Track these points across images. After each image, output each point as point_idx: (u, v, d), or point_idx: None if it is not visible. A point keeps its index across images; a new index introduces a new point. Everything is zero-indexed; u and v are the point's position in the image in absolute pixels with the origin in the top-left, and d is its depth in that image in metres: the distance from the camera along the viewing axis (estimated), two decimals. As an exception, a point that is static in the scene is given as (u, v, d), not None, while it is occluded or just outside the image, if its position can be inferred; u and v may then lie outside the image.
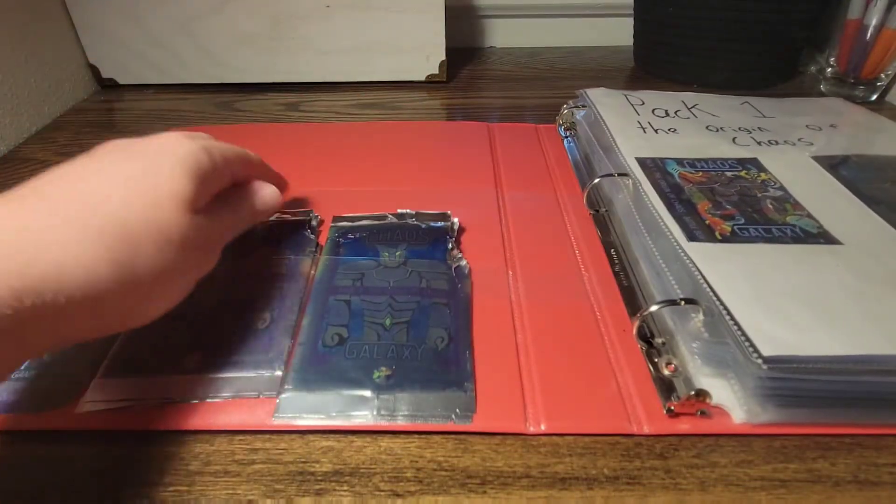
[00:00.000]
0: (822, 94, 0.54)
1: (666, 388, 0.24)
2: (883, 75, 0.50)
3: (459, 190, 0.38)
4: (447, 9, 0.54)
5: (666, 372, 0.24)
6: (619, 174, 0.35)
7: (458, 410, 0.23)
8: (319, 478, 0.21)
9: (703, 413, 0.23)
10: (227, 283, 0.29)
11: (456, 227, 0.33)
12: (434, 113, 0.52)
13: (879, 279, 0.26)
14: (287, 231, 0.33)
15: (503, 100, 0.54)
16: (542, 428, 0.22)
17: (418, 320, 0.27)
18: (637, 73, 0.61)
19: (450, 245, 0.32)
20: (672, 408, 0.23)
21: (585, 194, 0.36)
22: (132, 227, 0.20)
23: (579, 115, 0.45)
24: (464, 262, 0.30)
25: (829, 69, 0.53)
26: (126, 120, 0.52)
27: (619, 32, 0.66)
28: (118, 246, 0.19)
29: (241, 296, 0.28)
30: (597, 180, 0.36)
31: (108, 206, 0.20)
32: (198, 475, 0.21)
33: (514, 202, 0.37)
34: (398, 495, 0.20)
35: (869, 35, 0.48)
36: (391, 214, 0.34)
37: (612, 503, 0.20)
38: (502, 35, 0.70)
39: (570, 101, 0.47)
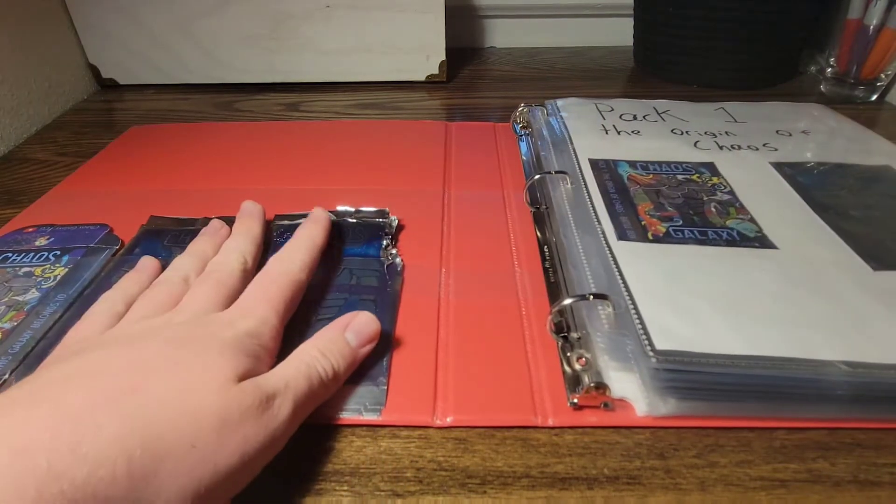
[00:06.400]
0: (822, 94, 0.54)
1: (574, 381, 0.24)
2: (883, 75, 0.50)
3: (406, 189, 0.38)
4: (447, 9, 0.54)
5: (577, 366, 0.24)
6: (557, 172, 0.36)
7: (367, 404, 0.23)
8: (319, 478, 0.21)
9: (606, 406, 0.23)
10: None
11: (394, 224, 0.33)
12: (434, 113, 0.52)
13: (804, 283, 0.26)
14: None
15: (503, 100, 0.54)
16: (448, 421, 0.23)
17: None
18: (637, 73, 0.61)
19: (385, 242, 0.32)
20: (576, 401, 0.23)
21: (525, 191, 0.37)
22: (160, 423, 0.17)
23: (537, 114, 0.46)
24: (398, 260, 0.31)
25: (829, 69, 0.53)
26: (126, 120, 0.52)
27: (619, 32, 0.66)
28: (140, 456, 0.16)
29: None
30: (536, 177, 0.37)
31: (131, 402, 0.17)
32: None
33: (460, 201, 0.37)
34: (398, 495, 0.20)
35: (869, 35, 0.48)
36: (330, 212, 0.34)
37: (612, 503, 0.20)
38: (502, 35, 0.70)
39: (531, 104, 0.47)
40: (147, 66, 0.57)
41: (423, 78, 0.58)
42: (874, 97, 0.52)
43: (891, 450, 0.22)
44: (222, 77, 0.57)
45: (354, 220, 0.34)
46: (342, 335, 0.24)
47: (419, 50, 0.56)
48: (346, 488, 0.21)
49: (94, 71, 0.57)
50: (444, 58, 0.57)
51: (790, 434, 0.22)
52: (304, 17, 0.54)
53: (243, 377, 0.20)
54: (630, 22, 0.62)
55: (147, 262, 0.29)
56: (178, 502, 0.16)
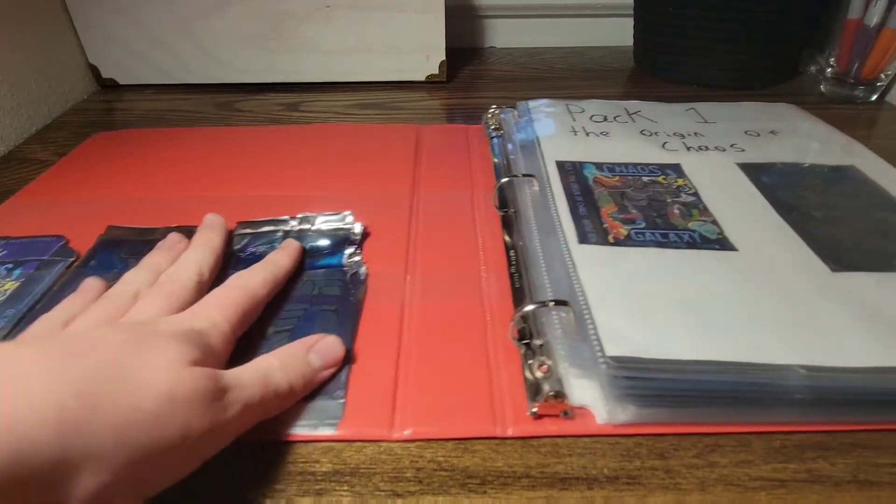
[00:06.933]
0: (822, 94, 0.54)
1: (535, 389, 0.23)
2: (883, 75, 0.50)
3: (374, 193, 0.37)
4: (447, 9, 0.54)
5: (538, 373, 0.24)
6: (524, 175, 0.35)
7: (322, 418, 0.22)
8: (319, 478, 0.21)
9: (566, 414, 0.22)
10: None
11: (358, 231, 0.33)
12: (433, 113, 0.52)
13: (762, 286, 0.26)
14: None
15: (503, 100, 0.54)
16: (406, 434, 0.22)
17: (302, 328, 0.26)
18: (637, 73, 0.61)
19: (349, 251, 0.31)
20: (535, 409, 0.22)
21: (493, 195, 0.36)
22: (101, 381, 0.17)
23: (506, 116, 0.45)
24: (362, 269, 0.30)
25: (829, 69, 0.53)
26: (126, 120, 0.52)
27: (619, 32, 0.66)
28: (73, 405, 0.16)
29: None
30: (504, 180, 0.36)
31: (76, 362, 0.17)
32: (196, 474, 0.21)
33: (428, 204, 0.36)
34: (398, 495, 0.20)
35: (869, 35, 0.48)
36: (292, 219, 0.33)
37: (612, 503, 0.20)
38: (502, 35, 0.70)
39: (503, 105, 0.47)
40: (147, 66, 0.57)
41: (423, 78, 0.58)
42: (874, 97, 0.52)
43: (890, 450, 0.22)
44: (222, 77, 0.57)
45: (318, 228, 0.33)
46: (305, 354, 0.23)
47: (419, 50, 0.56)
48: (346, 488, 0.21)
49: (94, 71, 0.57)
50: (444, 58, 0.57)
51: (790, 434, 0.22)
52: (304, 17, 0.54)
53: (194, 365, 0.19)
54: (630, 22, 0.62)
55: (91, 283, 0.27)
56: (113, 457, 0.16)
